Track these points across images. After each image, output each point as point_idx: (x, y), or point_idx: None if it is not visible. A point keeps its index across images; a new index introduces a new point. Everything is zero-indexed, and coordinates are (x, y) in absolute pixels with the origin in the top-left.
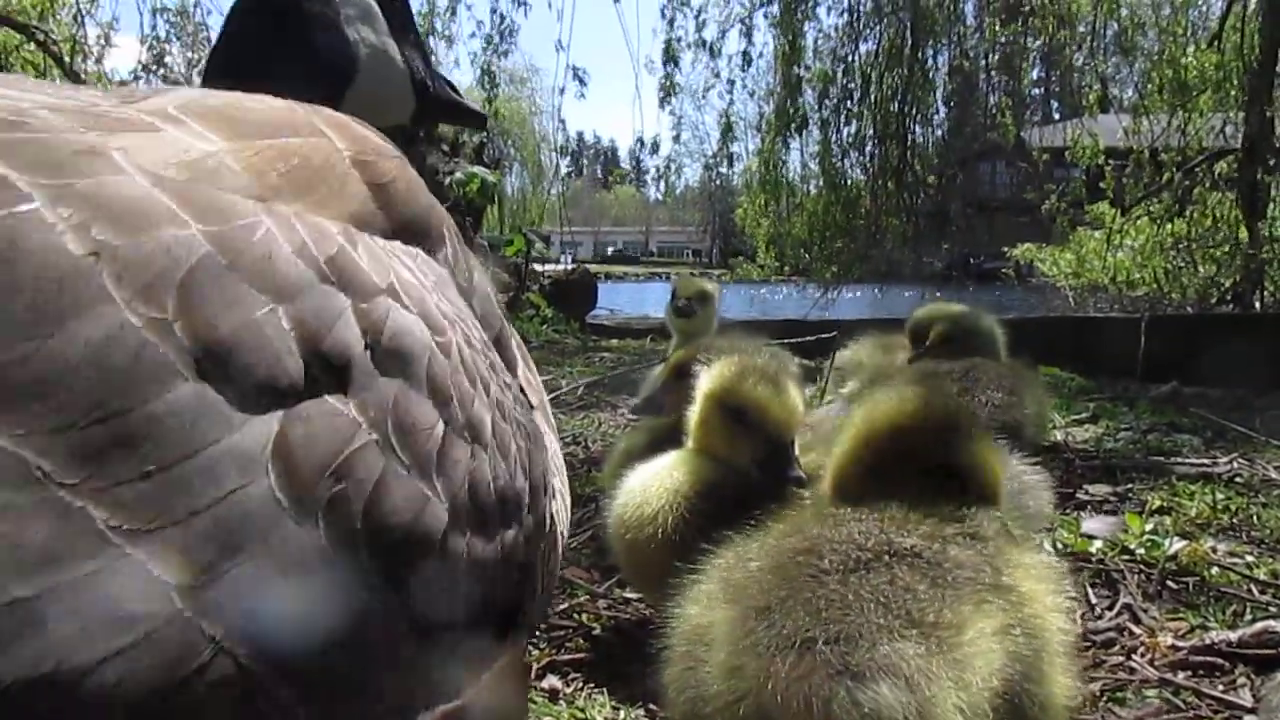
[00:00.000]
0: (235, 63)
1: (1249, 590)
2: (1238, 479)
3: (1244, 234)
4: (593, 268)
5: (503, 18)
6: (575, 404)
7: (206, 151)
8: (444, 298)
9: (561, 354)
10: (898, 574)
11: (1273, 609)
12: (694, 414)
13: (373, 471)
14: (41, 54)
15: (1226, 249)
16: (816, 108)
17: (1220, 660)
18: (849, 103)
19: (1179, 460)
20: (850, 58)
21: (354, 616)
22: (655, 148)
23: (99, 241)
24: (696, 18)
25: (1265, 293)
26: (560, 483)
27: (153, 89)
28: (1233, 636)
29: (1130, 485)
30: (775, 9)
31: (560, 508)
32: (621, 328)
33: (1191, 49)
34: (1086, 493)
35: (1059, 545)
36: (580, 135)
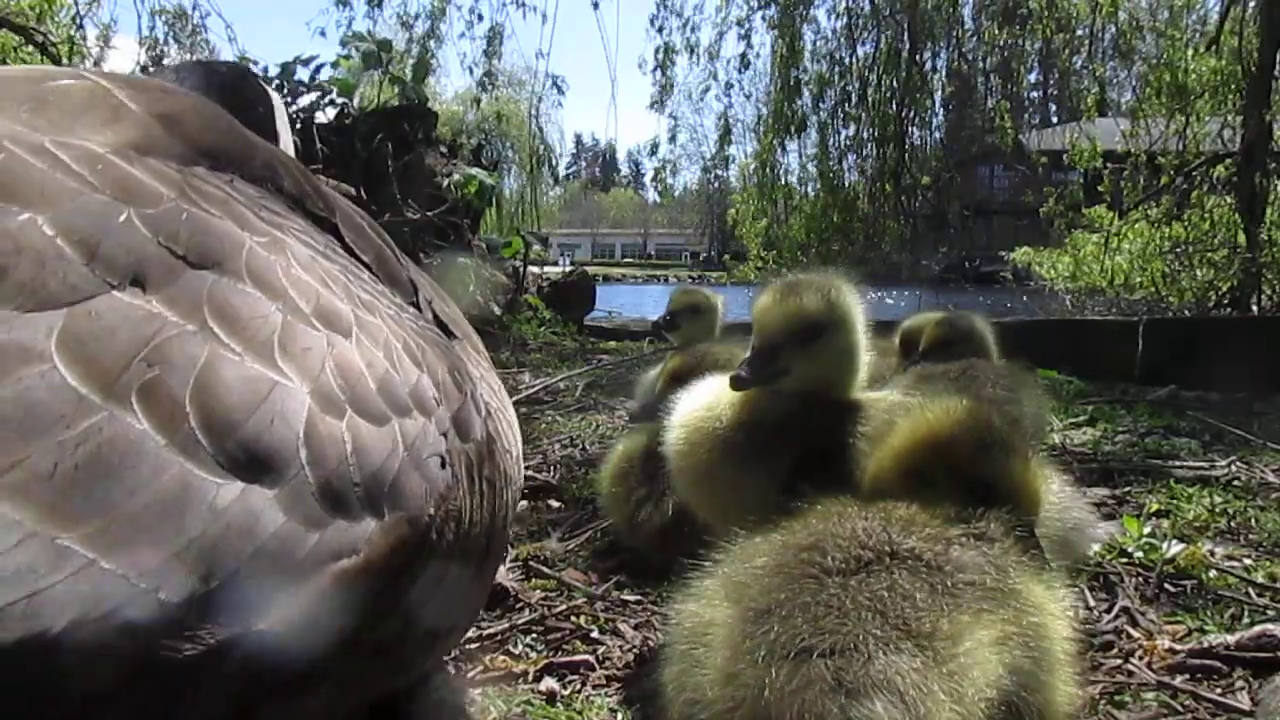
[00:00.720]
0: None
1: (1247, 593)
2: (1236, 482)
3: (1242, 238)
4: (591, 269)
5: (484, 19)
6: (573, 406)
7: None
8: (266, 208)
9: (559, 356)
10: (898, 579)
11: (1271, 612)
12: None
13: (192, 357)
14: (40, 55)
15: (1224, 253)
16: (814, 110)
17: (1218, 664)
18: (847, 105)
19: (1177, 463)
20: (848, 60)
21: (199, 502)
22: (654, 149)
23: None
24: (684, 28)
25: (1263, 296)
26: (499, 405)
27: None
28: (1231, 640)
29: (1128, 488)
30: (773, 12)
31: (503, 427)
32: (619, 329)
33: (1190, 53)
34: (1085, 495)
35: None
36: (579, 137)
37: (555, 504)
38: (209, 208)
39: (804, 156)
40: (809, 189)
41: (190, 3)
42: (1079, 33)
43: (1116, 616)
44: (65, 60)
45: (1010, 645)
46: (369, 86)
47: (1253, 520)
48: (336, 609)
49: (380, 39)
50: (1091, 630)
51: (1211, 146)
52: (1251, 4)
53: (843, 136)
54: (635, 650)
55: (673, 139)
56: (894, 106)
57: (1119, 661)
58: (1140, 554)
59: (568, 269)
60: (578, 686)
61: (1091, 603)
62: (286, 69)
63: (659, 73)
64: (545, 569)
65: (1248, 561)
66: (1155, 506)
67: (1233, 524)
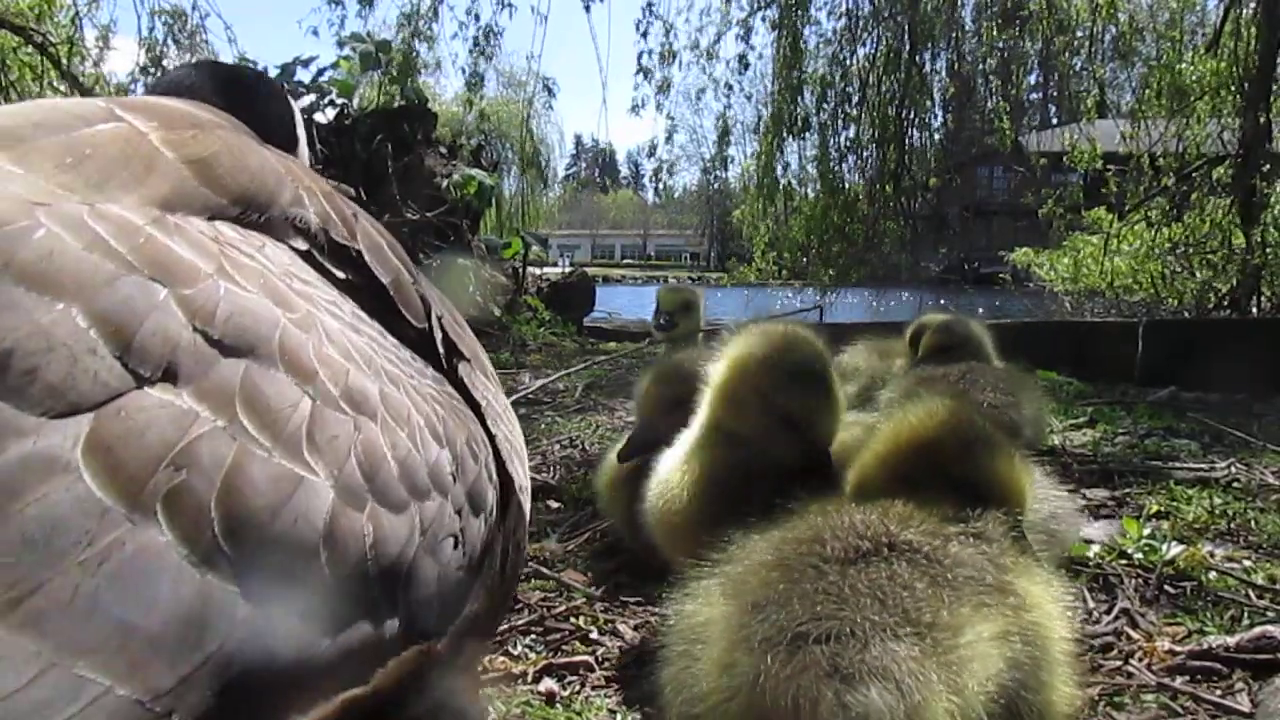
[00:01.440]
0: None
1: (1247, 595)
2: (1235, 484)
3: (1240, 239)
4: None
5: (478, 17)
6: (573, 406)
7: None
8: (296, 277)
9: (559, 356)
10: (897, 569)
11: (1270, 614)
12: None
13: (220, 458)
14: (39, 56)
15: (1223, 254)
16: (815, 111)
17: (1218, 665)
18: (847, 106)
19: (1176, 465)
20: (848, 62)
21: (217, 615)
22: (652, 150)
23: None
24: (667, 34)
25: (1262, 298)
26: (507, 432)
27: None
28: (1230, 641)
29: (1128, 490)
30: (773, 12)
31: (515, 464)
32: (619, 330)
33: (1189, 55)
34: (1084, 497)
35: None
36: (578, 138)
37: (554, 504)
38: (245, 284)
39: (804, 158)
40: (809, 190)
41: (190, 3)
42: (1079, 34)
43: (1116, 618)
44: (65, 60)
45: (1010, 641)
46: (368, 87)
47: (1252, 522)
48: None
49: (379, 40)
50: (1091, 631)
51: (1211, 148)
52: (1252, 5)
53: (843, 138)
54: (635, 651)
55: (669, 138)
56: (894, 108)
57: (1119, 663)
58: (1140, 555)
59: (567, 270)
60: (577, 687)
61: (1091, 604)
62: (286, 70)
63: (647, 76)
64: (544, 569)
65: (1247, 563)
66: (1155, 508)
67: (1232, 525)
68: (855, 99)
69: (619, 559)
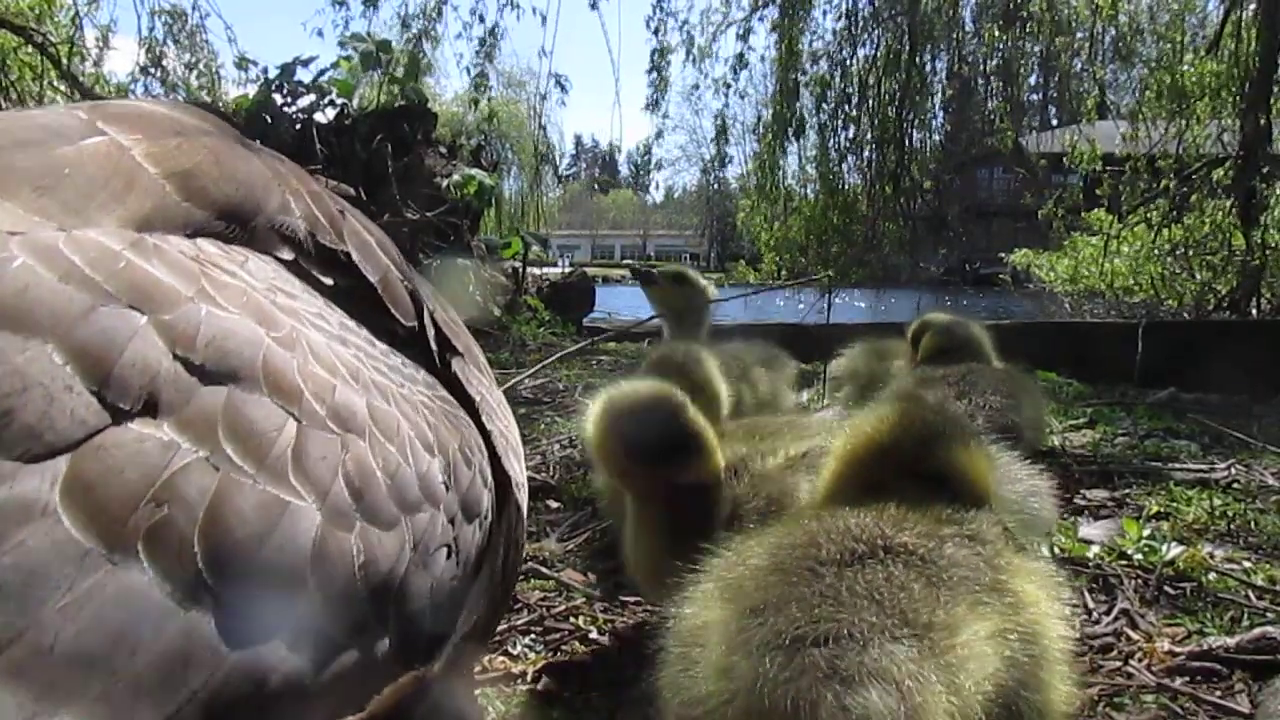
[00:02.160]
0: None
1: (1246, 596)
2: (1235, 485)
3: (1240, 240)
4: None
5: (485, 20)
6: (573, 406)
7: None
8: (280, 290)
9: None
10: (893, 571)
11: (1270, 615)
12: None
13: (203, 489)
14: (39, 56)
15: (1223, 256)
16: (814, 112)
17: (1218, 666)
18: (847, 107)
19: (1176, 466)
20: (848, 63)
21: (202, 651)
22: (647, 151)
23: None
24: (681, 29)
25: (1262, 299)
26: (503, 428)
27: None
28: (1230, 642)
29: (1127, 490)
30: (773, 12)
31: (511, 460)
32: (619, 331)
33: (1189, 56)
34: (1084, 498)
35: (1056, 550)
36: (579, 139)
37: (554, 504)
38: (227, 304)
39: (803, 158)
40: (809, 191)
41: (190, 3)
42: (1079, 35)
43: (1116, 619)
44: (65, 60)
45: (1008, 640)
46: (368, 87)
47: (1252, 522)
48: None
49: (379, 40)
50: (1091, 632)
51: (1210, 149)
52: (1252, 7)
53: (842, 138)
54: (634, 651)
55: (659, 135)
56: (894, 109)
57: (1118, 664)
58: (1140, 556)
59: (567, 270)
60: (576, 687)
61: (1091, 605)
62: (286, 70)
63: (655, 74)
64: (544, 569)
65: (1247, 564)
66: (1155, 509)
67: (1232, 526)
68: (855, 99)
69: (619, 559)
